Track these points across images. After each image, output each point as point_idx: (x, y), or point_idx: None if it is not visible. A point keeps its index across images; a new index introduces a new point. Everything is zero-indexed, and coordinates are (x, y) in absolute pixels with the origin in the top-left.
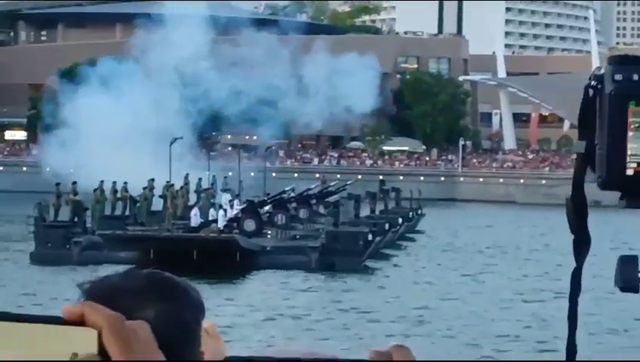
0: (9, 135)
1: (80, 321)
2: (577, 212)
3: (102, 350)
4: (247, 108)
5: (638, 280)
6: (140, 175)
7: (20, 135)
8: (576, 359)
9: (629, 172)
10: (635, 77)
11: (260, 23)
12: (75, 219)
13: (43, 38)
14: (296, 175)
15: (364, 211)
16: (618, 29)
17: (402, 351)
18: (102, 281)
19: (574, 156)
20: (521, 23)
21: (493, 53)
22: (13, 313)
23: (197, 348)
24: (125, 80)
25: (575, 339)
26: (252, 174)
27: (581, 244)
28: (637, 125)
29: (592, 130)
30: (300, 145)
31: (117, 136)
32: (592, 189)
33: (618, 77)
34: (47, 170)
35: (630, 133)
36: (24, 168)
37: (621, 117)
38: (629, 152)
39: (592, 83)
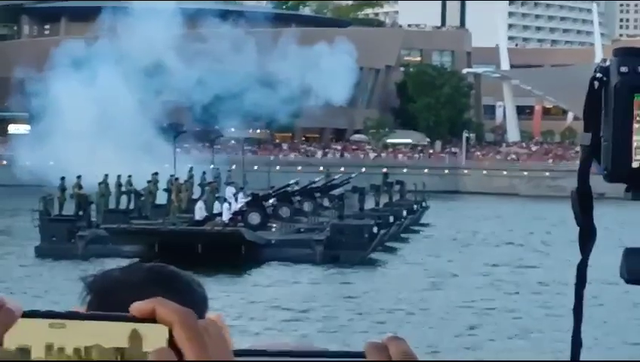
0: (13, 128)
1: (151, 318)
2: (583, 204)
3: (173, 347)
4: (215, 101)
5: None
6: (113, 168)
7: (25, 128)
8: (581, 353)
9: (635, 164)
10: None
11: (235, 14)
12: (80, 213)
13: (46, 32)
14: (299, 168)
15: (369, 204)
16: (621, 20)
17: (398, 343)
18: (104, 275)
19: (578, 148)
20: (524, 15)
21: (497, 45)
22: (82, 312)
23: None
24: (94, 67)
25: (580, 333)
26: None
27: (586, 237)
28: None
29: (598, 123)
30: (303, 138)
31: (87, 128)
32: (595, 182)
33: (624, 69)
34: (27, 163)
35: (636, 126)
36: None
37: (627, 109)
38: (634, 145)
39: (598, 75)
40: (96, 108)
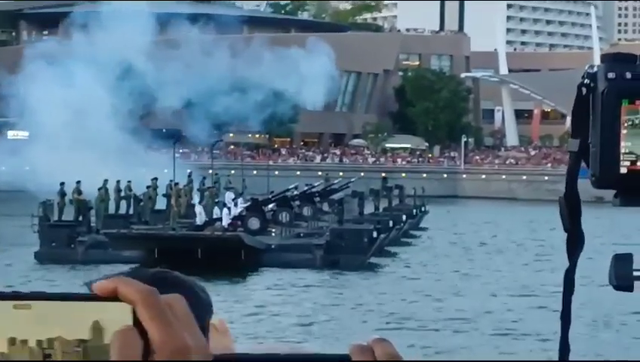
0: (11, 135)
1: (113, 297)
2: (571, 210)
3: (138, 326)
4: (186, 106)
5: (632, 279)
6: (90, 173)
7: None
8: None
9: (623, 170)
10: (628, 75)
11: (206, 18)
12: (80, 218)
13: (45, 38)
14: (298, 173)
15: (368, 208)
16: (619, 25)
17: (383, 345)
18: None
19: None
20: (522, 19)
21: (495, 49)
22: (47, 292)
23: None
24: (68, 70)
25: (568, 338)
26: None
27: (574, 243)
28: (630, 123)
29: (586, 129)
30: (302, 143)
31: (61, 132)
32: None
33: (611, 75)
34: (3, 168)
35: (623, 131)
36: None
37: (614, 115)
38: (622, 150)
39: (585, 81)
40: (70, 111)
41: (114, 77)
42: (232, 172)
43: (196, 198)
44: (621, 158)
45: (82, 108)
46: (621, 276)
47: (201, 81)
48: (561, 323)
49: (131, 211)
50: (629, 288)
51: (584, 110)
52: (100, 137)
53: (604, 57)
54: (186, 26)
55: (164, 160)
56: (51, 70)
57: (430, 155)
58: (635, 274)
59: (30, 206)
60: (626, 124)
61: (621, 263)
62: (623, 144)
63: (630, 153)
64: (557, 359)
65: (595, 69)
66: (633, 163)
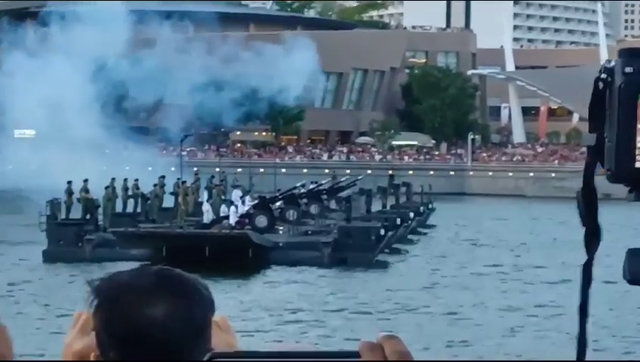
0: (17, 133)
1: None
2: (588, 205)
3: None
4: (159, 101)
5: None
6: (70, 171)
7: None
8: (586, 355)
9: (638, 165)
10: None
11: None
12: (87, 217)
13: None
14: (305, 170)
15: (376, 206)
16: (626, 21)
17: (393, 342)
18: (112, 278)
19: (583, 149)
20: (528, 16)
21: (502, 46)
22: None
23: (206, 345)
24: (44, 66)
25: (586, 333)
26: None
27: (592, 237)
28: None
29: (602, 123)
30: (309, 141)
31: (38, 128)
32: (601, 182)
33: (629, 69)
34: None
35: (639, 126)
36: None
37: (631, 110)
38: (638, 145)
39: (602, 75)
40: (46, 108)
41: (89, 74)
42: (239, 170)
43: (204, 196)
44: (637, 153)
45: (57, 104)
46: (635, 271)
47: (174, 78)
48: (579, 316)
49: (139, 209)
50: None
51: (601, 105)
52: (75, 134)
53: (622, 52)
54: (163, 23)
55: (146, 157)
56: (27, 66)
57: (437, 153)
58: None
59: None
60: None
61: (635, 258)
62: (639, 139)
63: None
64: (575, 352)
65: (613, 63)
66: None
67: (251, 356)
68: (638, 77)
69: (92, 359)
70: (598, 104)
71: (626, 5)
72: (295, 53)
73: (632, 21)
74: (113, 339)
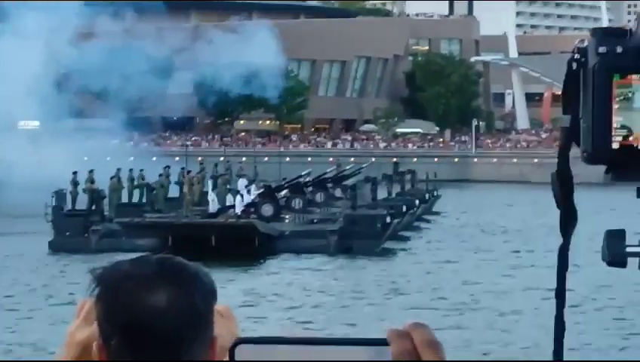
0: (21, 124)
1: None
2: (563, 186)
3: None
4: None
5: (625, 255)
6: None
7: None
8: (564, 337)
9: (615, 145)
10: (619, 49)
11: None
12: (93, 207)
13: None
14: (309, 159)
15: (381, 194)
16: (629, 6)
17: (422, 329)
18: (113, 267)
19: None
20: (531, 2)
21: (505, 33)
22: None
23: (209, 333)
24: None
25: (563, 316)
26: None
27: (568, 219)
28: (621, 98)
29: (577, 104)
30: (312, 129)
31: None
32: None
33: (602, 49)
34: None
35: (615, 106)
36: None
37: (606, 90)
38: (614, 125)
39: (576, 56)
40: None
41: (34, 62)
42: (244, 159)
43: (209, 186)
44: (613, 133)
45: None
46: (614, 252)
47: (120, 67)
48: (557, 301)
49: (144, 200)
50: (623, 264)
51: (575, 85)
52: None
53: (595, 32)
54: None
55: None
56: None
57: (441, 140)
58: (628, 250)
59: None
60: (617, 99)
61: (614, 239)
62: (614, 119)
63: (622, 128)
64: (552, 338)
65: (586, 43)
66: (625, 138)
67: (277, 341)
68: (612, 57)
69: (95, 348)
70: (572, 85)
71: None
72: (250, 42)
73: (635, 5)
74: (115, 328)
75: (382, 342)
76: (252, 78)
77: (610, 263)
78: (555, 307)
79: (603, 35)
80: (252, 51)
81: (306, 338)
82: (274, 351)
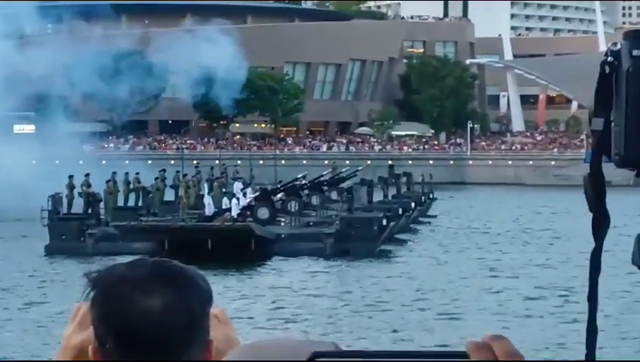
0: (17, 129)
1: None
2: (596, 190)
3: None
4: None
5: None
6: None
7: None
8: (597, 341)
9: None
10: None
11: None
12: (89, 211)
13: (48, 31)
14: (305, 162)
15: (377, 196)
16: (624, 8)
17: (502, 342)
18: (108, 271)
19: (583, 137)
20: (526, 5)
21: (500, 35)
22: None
23: (205, 336)
24: None
25: (595, 320)
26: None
27: (600, 223)
28: None
29: (609, 107)
30: (308, 132)
31: None
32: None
33: (636, 52)
34: None
35: None
36: None
37: (639, 93)
38: None
39: (609, 59)
40: None
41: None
42: (239, 162)
43: (205, 189)
44: None
45: None
46: None
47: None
48: (589, 304)
49: (140, 203)
50: None
51: (607, 88)
52: None
53: (627, 35)
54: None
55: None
56: None
57: (436, 142)
58: None
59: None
60: None
61: None
62: None
63: None
64: (585, 339)
65: (619, 46)
66: None
67: (357, 356)
68: None
69: (90, 351)
70: (604, 88)
71: None
72: (205, 46)
73: (630, 8)
74: (110, 331)
75: (462, 355)
76: (208, 82)
77: None
78: (588, 310)
79: (636, 38)
80: (208, 55)
81: (384, 352)
82: None
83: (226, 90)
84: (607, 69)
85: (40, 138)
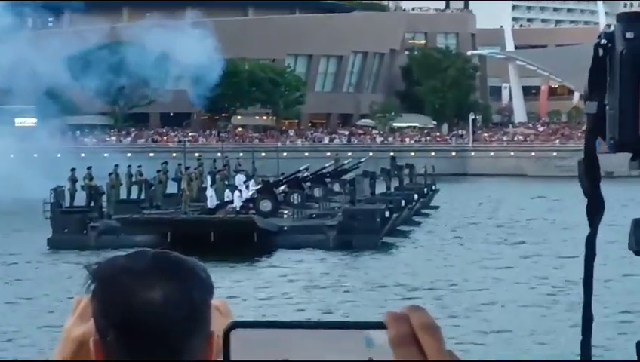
0: (19, 122)
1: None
2: (590, 175)
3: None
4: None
5: None
6: None
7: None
8: (592, 327)
9: None
10: None
11: None
12: (92, 204)
13: (50, 25)
14: (306, 154)
15: (380, 188)
16: None
17: (419, 313)
18: (109, 262)
19: (585, 128)
20: None
21: (501, 26)
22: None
23: (206, 328)
24: None
25: (591, 306)
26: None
27: (594, 209)
28: None
29: (603, 91)
30: (309, 124)
31: None
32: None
33: (630, 35)
34: None
35: None
36: None
37: (634, 76)
38: None
39: (602, 42)
40: None
41: None
42: (241, 155)
43: (207, 182)
44: None
45: None
46: None
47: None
48: (584, 290)
49: (143, 196)
50: None
51: (601, 71)
52: None
53: (620, 17)
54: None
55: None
56: None
57: (438, 134)
58: None
59: None
60: None
61: None
62: None
63: None
64: (580, 326)
65: (612, 28)
66: None
67: (273, 325)
68: None
69: (91, 344)
70: (598, 71)
71: None
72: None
73: None
74: (111, 323)
75: (379, 326)
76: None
77: (638, 252)
78: (583, 296)
79: (630, 20)
80: (183, 48)
81: (302, 322)
82: (268, 335)
83: (198, 86)
84: (601, 52)
85: (41, 131)
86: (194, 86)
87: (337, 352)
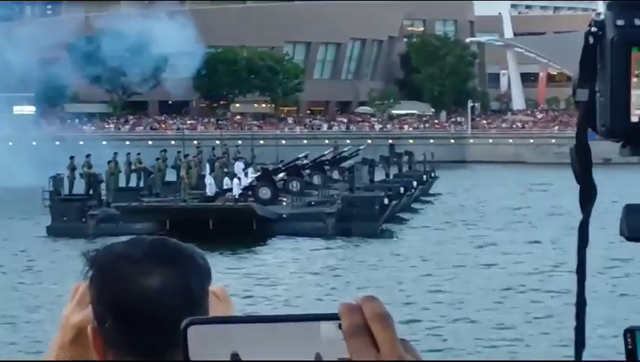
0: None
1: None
2: (582, 162)
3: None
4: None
5: None
6: None
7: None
8: (585, 313)
9: (634, 119)
10: (638, 22)
11: None
12: (90, 192)
13: (48, 12)
14: (305, 141)
15: (379, 175)
16: None
17: (372, 303)
18: (106, 249)
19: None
20: None
21: (499, 13)
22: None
23: (204, 314)
24: None
25: (584, 293)
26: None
27: (587, 195)
28: None
29: (594, 78)
30: (308, 112)
31: None
32: (602, 147)
33: (620, 22)
34: None
35: (634, 80)
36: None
37: (624, 63)
38: (633, 100)
39: (593, 29)
40: None
41: None
42: (240, 142)
43: (206, 169)
44: (632, 107)
45: None
46: (634, 227)
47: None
48: (577, 277)
49: (142, 184)
50: None
51: (592, 59)
52: None
53: (611, 4)
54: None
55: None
56: None
57: (437, 121)
58: None
59: None
60: (636, 72)
61: (633, 214)
62: (633, 92)
63: None
64: (574, 313)
65: (602, 16)
66: None
67: (230, 321)
68: (630, 30)
69: (89, 330)
70: (589, 58)
71: None
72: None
73: None
74: (108, 310)
75: (334, 317)
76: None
77: (630, 238)
78: (576, 283)
79: (620, 7)
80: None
81: (258, 317)
82: (227, 331)
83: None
84: (592, 40)
85: (40, 119)
86: (172, 73)
87: (290, 345)
